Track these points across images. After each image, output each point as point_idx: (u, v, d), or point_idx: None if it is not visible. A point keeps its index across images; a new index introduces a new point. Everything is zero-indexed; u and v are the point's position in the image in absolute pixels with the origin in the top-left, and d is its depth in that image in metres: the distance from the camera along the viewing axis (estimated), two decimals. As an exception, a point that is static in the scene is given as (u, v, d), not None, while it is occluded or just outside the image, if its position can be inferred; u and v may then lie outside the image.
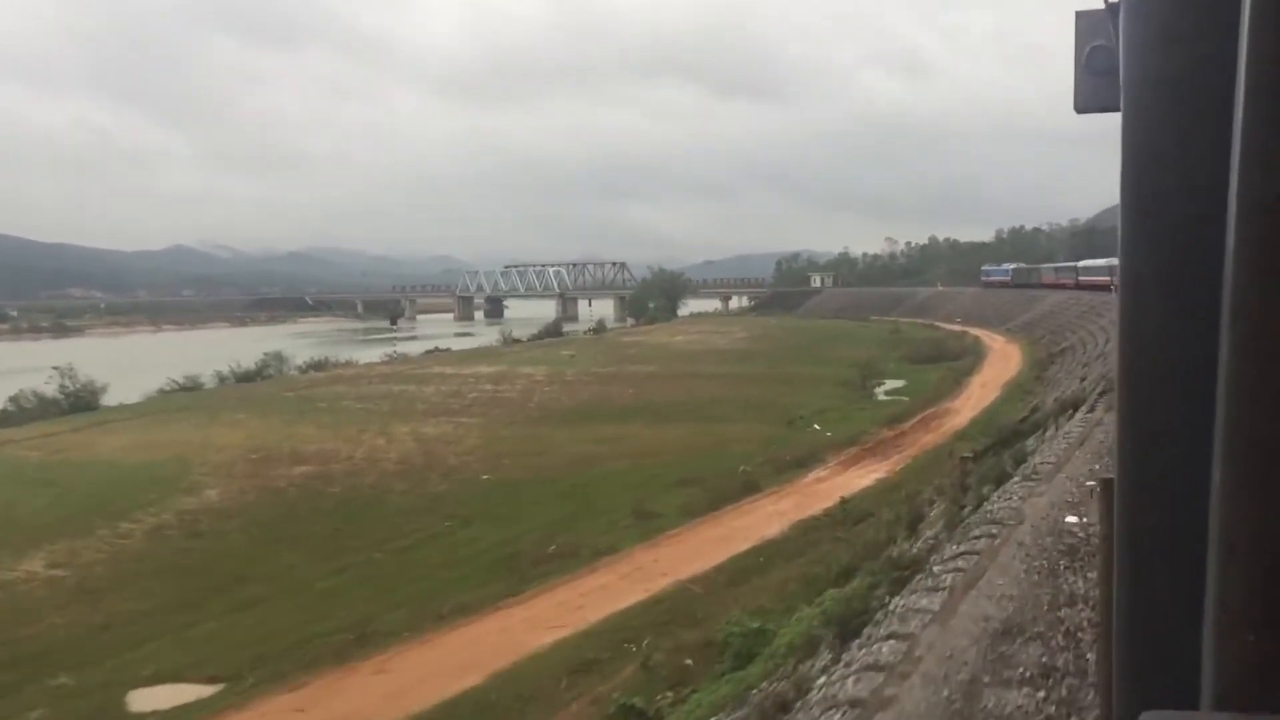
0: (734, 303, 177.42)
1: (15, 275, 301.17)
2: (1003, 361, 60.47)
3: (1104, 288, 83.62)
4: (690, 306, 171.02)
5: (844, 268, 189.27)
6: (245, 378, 62.54)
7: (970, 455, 21.79)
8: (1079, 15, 1.77)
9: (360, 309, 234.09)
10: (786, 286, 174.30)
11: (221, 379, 61.95)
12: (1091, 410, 19.15)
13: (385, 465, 33.23)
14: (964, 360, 62.32)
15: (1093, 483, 12.55)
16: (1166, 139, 1.06)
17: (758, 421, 41.32)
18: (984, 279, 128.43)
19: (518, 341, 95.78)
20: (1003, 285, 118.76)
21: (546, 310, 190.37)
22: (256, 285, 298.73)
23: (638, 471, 31.79)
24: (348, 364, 73.77)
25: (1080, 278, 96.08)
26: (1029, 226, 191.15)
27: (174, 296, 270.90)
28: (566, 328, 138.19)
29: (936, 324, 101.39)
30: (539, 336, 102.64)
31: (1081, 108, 1.81)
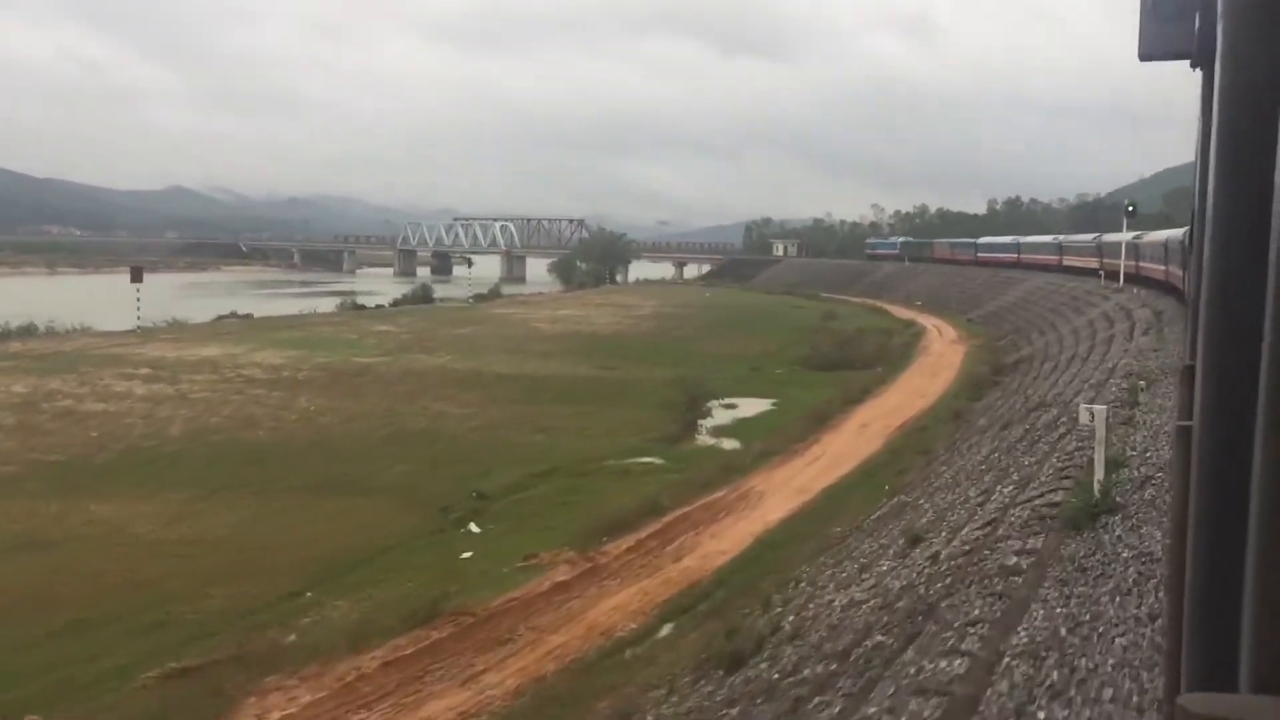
0: (690, 270, 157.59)
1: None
2: (927, 375, 41.51)
3: (1007, 265, 79.38)
4: (641, 272, 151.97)
5: (821, 236, 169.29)
6: None
7: None
8: None
9: (297, 259, 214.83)
10: (752, 254, 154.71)
11: None
12: None
13: None
14: (874, 370, 43.26)
15: None
16: (1269, 69, 0.97)
17: (399, 500, 22.46)
18: (869, 252, 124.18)
19: (361, 308, 76.71)
20: (889, 259, 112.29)
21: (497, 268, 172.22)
22: (249, 230, 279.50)
23: None
24: (71, 333, 54.87)
25: (980, 254, 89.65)
26: (1027, 198, 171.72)
27: (155, 238, 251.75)
28: (507, 290, 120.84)
29: (888, 307, 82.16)
30: (402, 302, 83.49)
31: (1145, 54, 1.65)
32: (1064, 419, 17.44)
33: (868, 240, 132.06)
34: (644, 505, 20.91)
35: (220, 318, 66.47)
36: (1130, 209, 48.52)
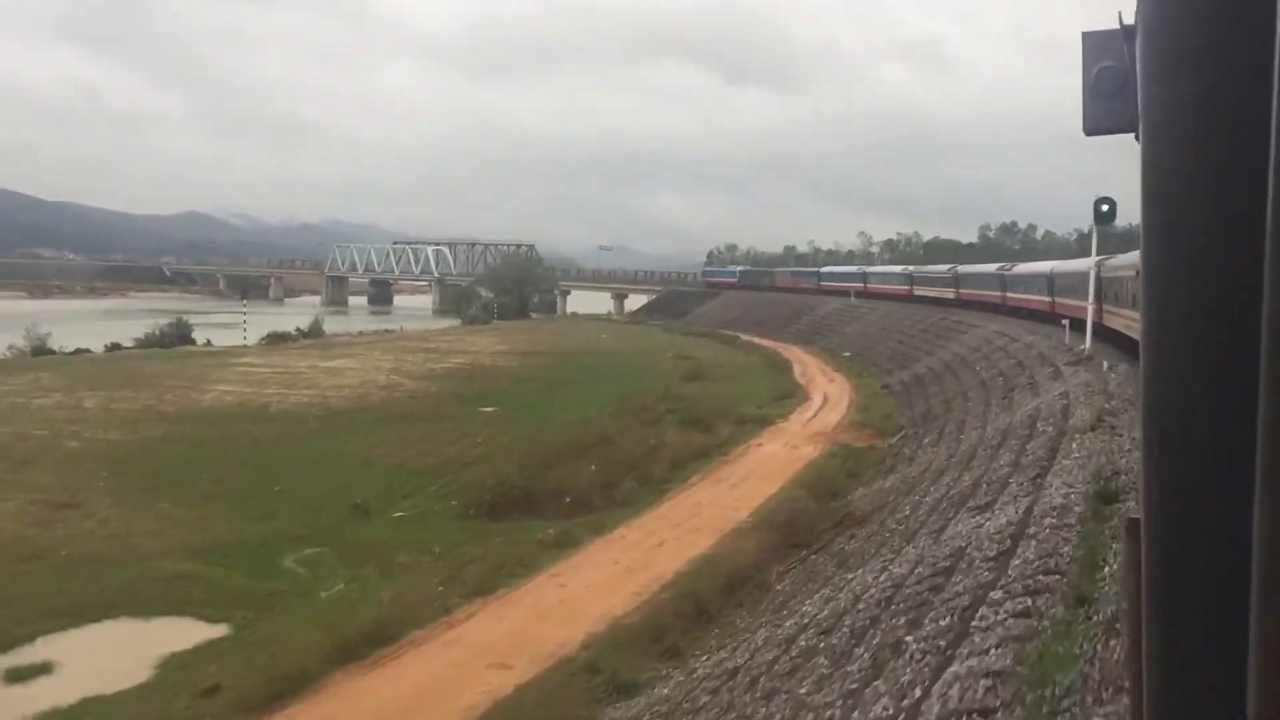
0: (633, 301, 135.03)
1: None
2: (647, 545, 19.35)
3: (847, 293, 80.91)
4: (585, 304, 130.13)
5: (792, 265, 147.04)
6: None
7: None
8: (1085, 36, 1.64)
9: (222, 284, 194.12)
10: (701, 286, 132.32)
11: None
12: None
13: None
14: (547, 531, 20.84)
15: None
16: (1189, 162, 1.00)
17: None
18: (707, 279, 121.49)
19: (46, 353, 54.97)
20: (729, 287, 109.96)
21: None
22: (259, 255, 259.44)
23: None
24: None
25: (823, 283, 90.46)
26: (1025, 224, 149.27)
27: (153, 262, 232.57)
28: (436, 324, 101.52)
29: (802, 359, 59.76)
30: (146, 343, 61.47)
31: (1090, 130, 1.69)
32: None
33: (705, 269, 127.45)
34: None
35: None
36: (1105, 209, 26.16)
